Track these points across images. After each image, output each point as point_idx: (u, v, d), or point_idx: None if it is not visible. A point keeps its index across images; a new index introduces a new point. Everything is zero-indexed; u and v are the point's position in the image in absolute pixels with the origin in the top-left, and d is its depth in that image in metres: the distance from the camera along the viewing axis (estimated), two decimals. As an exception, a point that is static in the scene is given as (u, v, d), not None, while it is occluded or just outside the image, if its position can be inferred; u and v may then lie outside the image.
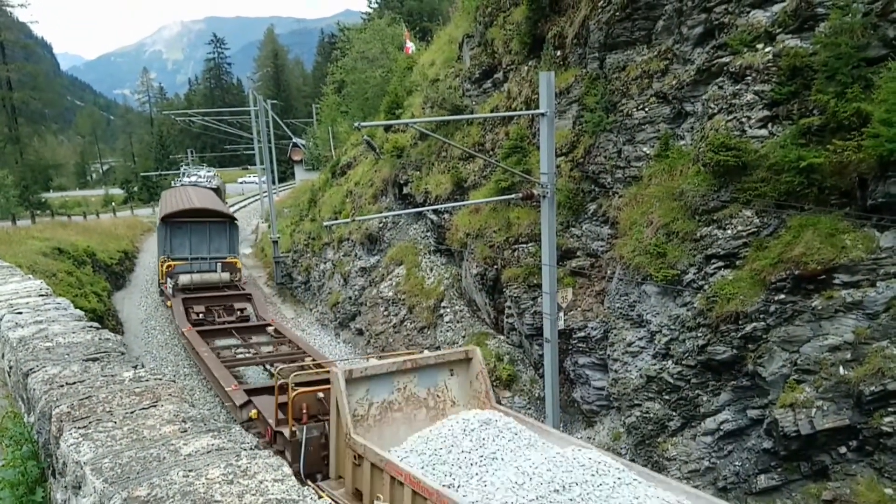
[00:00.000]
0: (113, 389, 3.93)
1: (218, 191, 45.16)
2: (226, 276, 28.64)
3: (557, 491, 8.36)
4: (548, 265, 14.52)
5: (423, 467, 9.89)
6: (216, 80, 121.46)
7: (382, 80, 43.90)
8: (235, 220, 32.12)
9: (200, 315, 25.32)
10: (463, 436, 10.51)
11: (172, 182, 51.56)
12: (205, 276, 28.19)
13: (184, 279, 27.68)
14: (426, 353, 12.41)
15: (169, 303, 27.25)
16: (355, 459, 10.68)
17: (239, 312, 25.86)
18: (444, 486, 9.09)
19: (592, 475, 8.80)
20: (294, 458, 12.86)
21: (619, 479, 8.85)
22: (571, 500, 8.30)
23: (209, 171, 55.88)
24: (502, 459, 9.78)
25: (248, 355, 20.68)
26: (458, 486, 9.31)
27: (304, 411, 13.14)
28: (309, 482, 12.03)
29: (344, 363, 14.63)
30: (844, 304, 12.31)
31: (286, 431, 13.18)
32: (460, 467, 9.80)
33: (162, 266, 29.64)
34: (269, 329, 23.66)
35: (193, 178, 50.50)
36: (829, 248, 12.58)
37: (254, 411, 15.30)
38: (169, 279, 28.37)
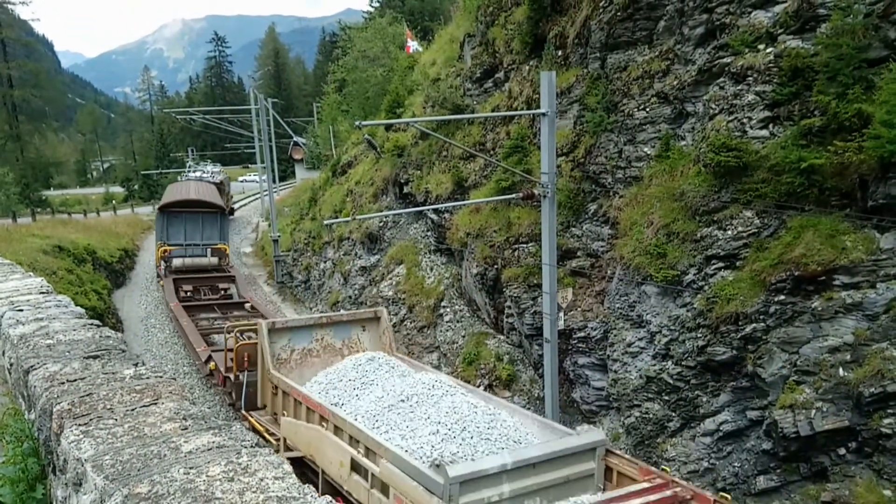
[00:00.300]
0: (114, 387, 3.94)
1: (221, 185, 47.54)
2: (214, 260, 31.95)
3: (403, 400, 11.63)
4: (548, 265, 14.52)
5: (318, 393, 12.96)
6: (217, 78, 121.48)
7: (383, 79, 43.91)
8: (226, 210, 35.33)
9: (188, 293, 28.60)
10: (352, 369, 13.63)
11: (179, 178, 54.18)
12: (196, 260, 31.34)
13: (177, 262, 30.92)
14: (342, 311, 16.36)
15: (161, 282, 30.59)
16: (273, 390, 14.02)
17: (223, 291, 29.34)
18: (332, 404, 12.21)
19: (429, 389, 11.98)
20: (237, 397, 16.41)
21: (446, 391, 11.98)
22: (410, 405, 11.54)
23: (214, 167, 58.28)
24: (375, 384, 12.92)
25: (222, 325, 23.04)
26: (342, 404, 12.50)
27: (246, 359, 15.98)
28: (244, 413, 15.62)
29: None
30: (844, 305, 12.31)
31: (232, 376, 16.68)
32: (345, 390, 13.01)
33: (158, 251, 32.65)
34: (247, 305, 27.11)
35: (199, 174, 52.91)
36: (829, 249, 12.59)
37: (213, 363, 19.02)
38: (164, 262, 31.42)
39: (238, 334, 17.03)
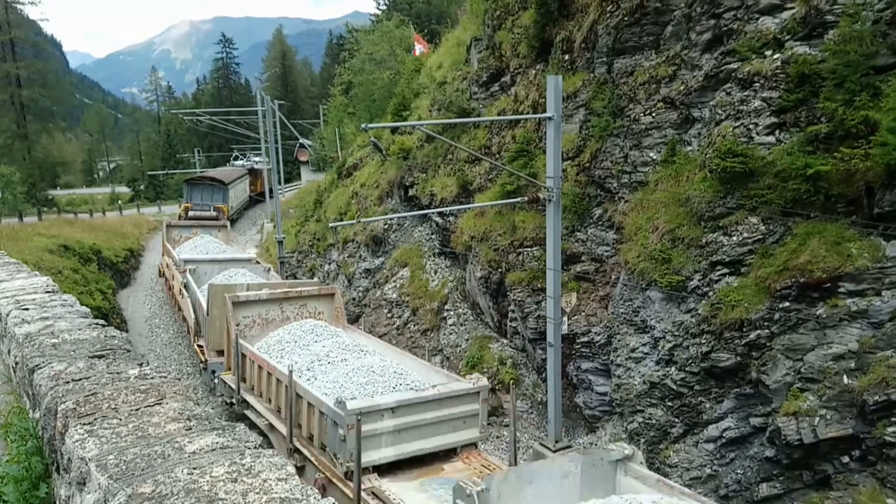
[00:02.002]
0: (118, 386, 3.95)
1: (253, 170, 59.34)
2: (214, 213, 44.94)
3: (327, 356, 14.73)
4: (552, 269, 14.50)
5: (265, 351, 15.80)
6: (224, 79, 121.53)
7: (390, 81, 43.96)
8: (227, 184, 48.63)
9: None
10: (299, 332, 16.56)
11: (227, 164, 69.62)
12: (203, 212, 45.30)
13: (191, 213, 45.07)
14: (302, 287, 19.33)
15: (162, 269, 36.84)
16: (242, 364, 16.41)
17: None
18: (277, 360, 14.92)
19: (354, 350, 15.00)
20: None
21: (368, 352, 14.95)
22: (330, 360, 14.42)
23: (257, 157, 64.36)
24: (315, 343, 15.75)
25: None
26: (283, 358, 15.26)
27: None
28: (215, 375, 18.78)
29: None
30: (849, 312, 12.27)
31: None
32: (290, 349, 15.85)
33: (182, 208, 48.09)
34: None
35: (241, 162, 66.12)
36: (834, 256, 12.55)
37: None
38: (185, 214, 45.45)
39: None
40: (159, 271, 35.79)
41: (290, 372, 13.29)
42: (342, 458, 11.78)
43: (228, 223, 41.41)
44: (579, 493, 8.19)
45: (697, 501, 7.94)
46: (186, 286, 24.82)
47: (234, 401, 16.69)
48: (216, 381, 18.78)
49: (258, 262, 28.45)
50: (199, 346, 21.74)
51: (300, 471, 12.90)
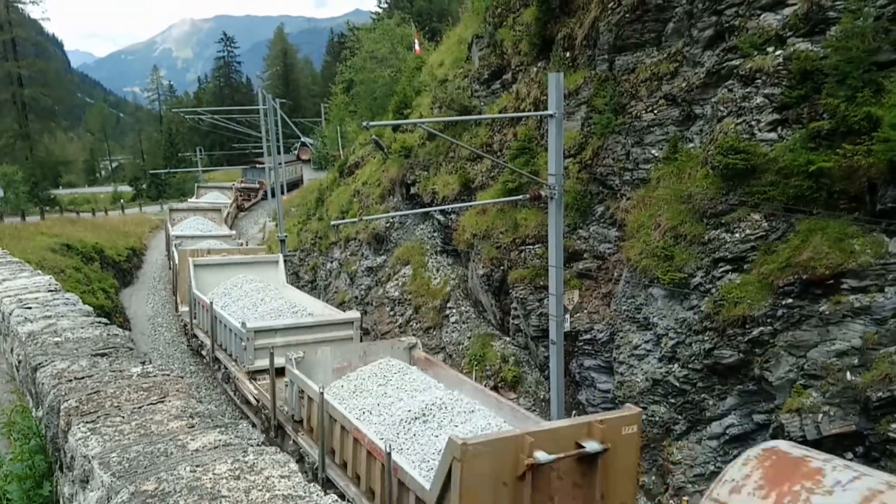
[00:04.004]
0: (121, 385, 3.96)
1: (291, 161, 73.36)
2: (256, 185, 63.20)
3: (247, 295, 21.62)
4: (554, 267, 14.50)
5: (215, 300, 20.70)
6: (225, 78, 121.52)
7: (391, 79, 43.96)
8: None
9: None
10: (246, 287, 22.07)
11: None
12: (248, 185, 63.66)
13: (240, 185, 62.54)
14: (260, 254, 26.26)
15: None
16: (193, 304, 22.99)
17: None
18: (220, 305, 20.33)
19: (268, 293, 21.73)
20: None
21: (280, 294, 21.61)
22: (252, 300, 20.61)
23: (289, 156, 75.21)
24: (252, 292, 21.93)
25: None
26: (224, 306, 20.48)
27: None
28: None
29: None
30: (852, 309, 12.25)
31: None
32: (233, 298, 21.36)
33: (238, 181, 65.08)
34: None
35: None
36: (837, 252, 12.53)
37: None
38: (238, 185, 61.43)
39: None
40: (167, 255, 38.41)
41: (211, 303, 19.99)
42: (244, 363, 17.12)
43: (224, 208, 48.77)
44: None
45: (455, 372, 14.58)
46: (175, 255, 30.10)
47: (189, 327, 24.35)
48: (181, 318, 26.46)
49: (237, 238, 36.98)
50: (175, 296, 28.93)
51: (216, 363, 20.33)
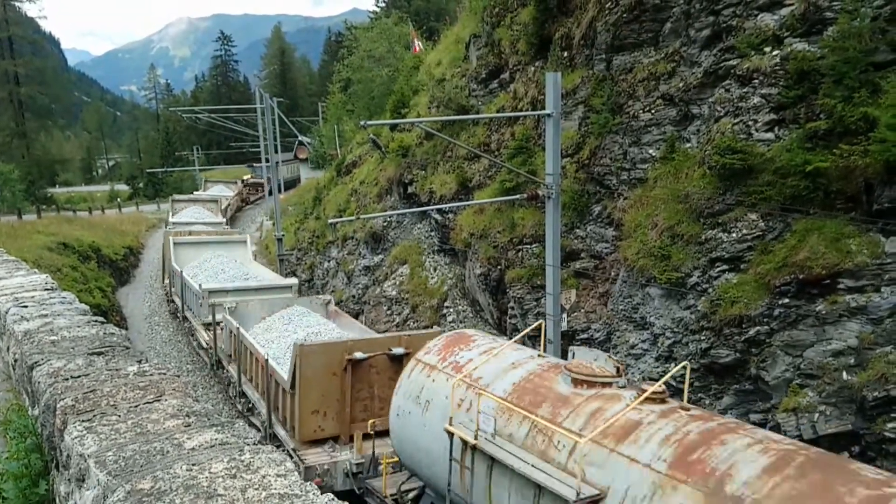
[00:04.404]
0: (117, 383, 3.95)
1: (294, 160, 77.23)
2: (262, 180, 62.01)
3: (211, 265, 27.84)
4: (552, 266, 14.50)
5: (184, 271, 26.58)
6: (223, 77, 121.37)
7: (389, 79, 43.93)
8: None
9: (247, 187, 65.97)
10: (215, 261, 27.45)
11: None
12: (256, 179, 66.22)
13: (250, 180, 67.50)
14: (235, 234, 32.82)
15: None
16: (171, 275, 29.34)
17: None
18: (180, 270, 27.06)
19: (231, 266, 27.36)
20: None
21: (242, 267, 27.04)
22: (214, 269, 26.97)
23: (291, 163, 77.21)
24: (217, 267, 27.29)
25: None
26: (194, 276, 25.47)
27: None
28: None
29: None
30: (849, 308, 12.27)
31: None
32: (203, 269, 26.51)
33: (244, 176, 69.15)
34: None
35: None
36: (834, 252, 12.55)
37: None
38: (246, 179, 65.67)
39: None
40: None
41: (181, 271, 25.75)
42: (200, 317, 22.75)
43: (223, 200, 52.25)
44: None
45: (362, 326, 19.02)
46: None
47: (168, 294, 29.97)
48: (164, 288, 32.01)
49: (225, 225, 42.16)
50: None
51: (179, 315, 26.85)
